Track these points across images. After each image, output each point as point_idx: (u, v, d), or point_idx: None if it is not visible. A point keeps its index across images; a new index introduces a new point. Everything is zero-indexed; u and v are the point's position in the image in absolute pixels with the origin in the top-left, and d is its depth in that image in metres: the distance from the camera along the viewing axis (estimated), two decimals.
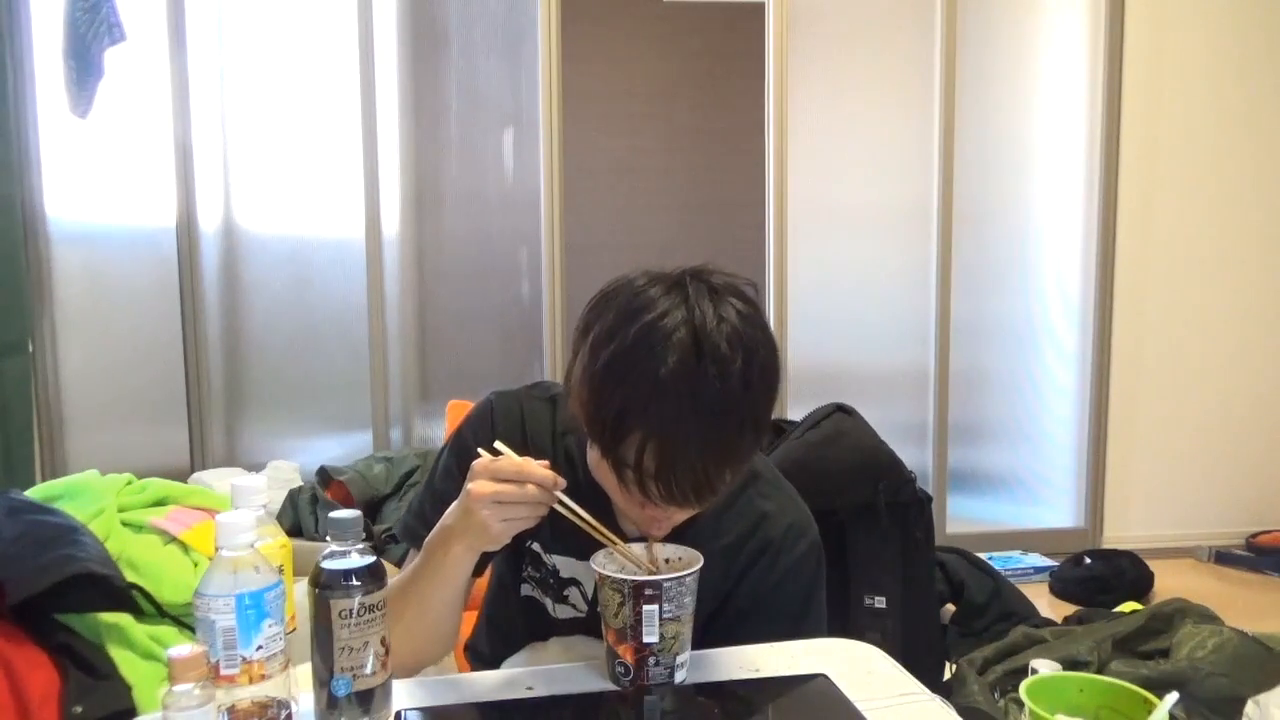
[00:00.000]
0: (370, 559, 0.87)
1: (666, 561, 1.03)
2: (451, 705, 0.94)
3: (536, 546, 1.16)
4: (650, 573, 0.98)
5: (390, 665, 0.89)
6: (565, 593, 1.16)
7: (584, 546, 1.02)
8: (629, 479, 0.95)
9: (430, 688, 0.99)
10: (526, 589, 1.18)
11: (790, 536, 1.14)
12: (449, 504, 1.02)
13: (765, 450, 2.13)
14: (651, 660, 0.96)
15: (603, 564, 0.98)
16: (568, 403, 1.08)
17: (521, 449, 1.04)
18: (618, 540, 1.01)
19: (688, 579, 0.96)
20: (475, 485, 0.95)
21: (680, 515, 1.03)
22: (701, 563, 0.98)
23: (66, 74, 2.83)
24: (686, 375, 0.90)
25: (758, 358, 0.93)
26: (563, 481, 0.97)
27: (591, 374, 0.95)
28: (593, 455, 1.02)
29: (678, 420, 0.91)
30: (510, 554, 1.16)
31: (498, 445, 0.99)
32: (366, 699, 0.87)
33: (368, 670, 0.86)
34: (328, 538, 0.87)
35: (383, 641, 0.87)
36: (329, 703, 0.86)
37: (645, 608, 0.94)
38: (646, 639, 0.95)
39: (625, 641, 0.96)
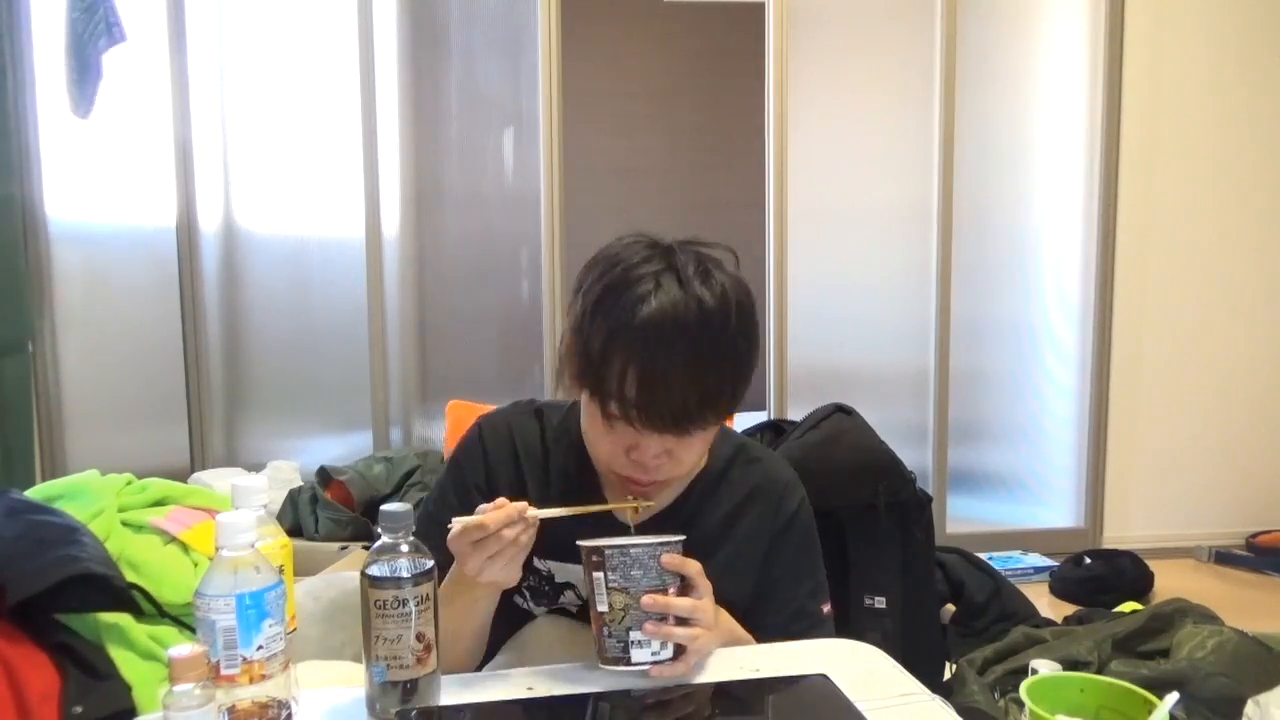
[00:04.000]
0: (412, 556, 0.89)
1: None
2: (452, 705, 0.94)
3: (534, 558, 1.17)
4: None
5: (434, 661, 0.90)
6: (560, 599, 1.18)
7: (576, 551, 1.04)
8: (613, 412, 1.01)
9: None
10: (518, 600, 1.19)
11: (791, 489, 1.21)
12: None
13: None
14: (605, 631, 0.98)
15: (587, 538, 1.00)
16: (552, 412, 1.19)
17: (513, 465, 1.11)
18: (600, 511, 1.04)
19: (633, 550, 0.97)
20: (465, 566, 0.99)
21: (668, 467, 1.06)
22: (661, 542, 0.98)
23: (67, 75, 2.83)
24: (667, 304, 0.98)
25: (734, 297, 1.02)
26: (524, 505, 0.98)
27: (580, 315, 1.03)
28: (584, 409, 1.08)
29: (657, 345, 0.98)
30: None
31: (454, 521, 0.99)
32: (407, 689, 0.89)
33: (403, 662, 0.88)
34: (379, 529, 0.90)
35: (419, 637, 0.88)
36: (369, 687, 0.90)
37: (594, 574, 0.97)
38: (599, 608, 0.97)
39: (592, 613, 0.99)
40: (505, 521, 0.96)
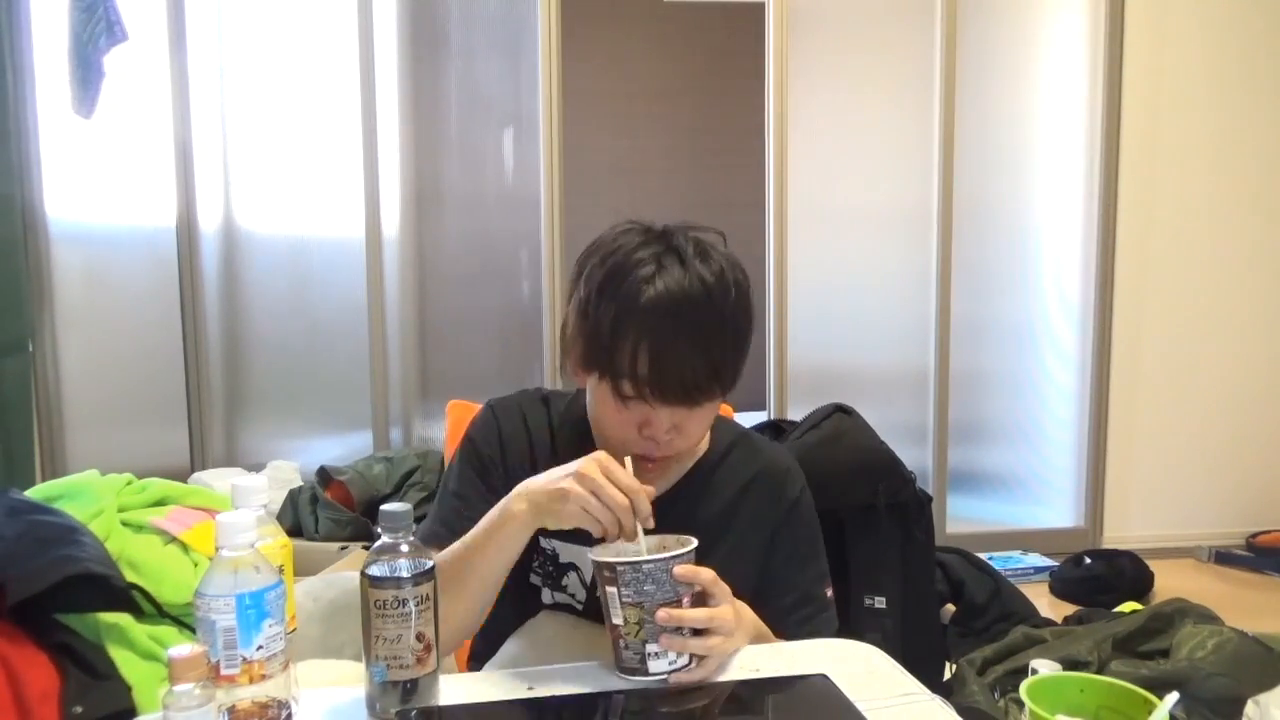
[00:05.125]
0: (412, 556, 0.89)
1: (664, 549, 1.02)
2: (451, 705, 0.94)
3: (539, 536, 1.18)
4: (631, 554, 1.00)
5: (434, 661, 0.90)
6: (564, 580, 1.19)
7: (583, 532, 1.05)
8: (626, 390, 1.05)
9: None
10: (534, 578, 1.21)
11: (792, 476, 1.24)
12: (472, 507, 1.09)
13: None
14: (621, 644, 0.98)
15: (599, 553, 0.99)
16: (558, 400, 1.22)
17: (526, 442, 1.14)
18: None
19: (645, 566, 0.96)
20: (588, 466, 0.99)
21: (678, 440, 1.09)
22: (673, 555, 0.98)
23: (69, 75, 2.83)
24: (672, 283, 1.03)
25: (732, 275, 1.07)
26: (652, 524, 0.99)
27: (585, 299, 1.07)
28: (592, 392, 1.11)
29: (664, 321, 1.02)
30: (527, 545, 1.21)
31: (627, 463, 1.02)
32: (407, 689, 0.89)
33: (403, 662, 0.88)
34: (379, 529, 0.90)
35: (419, 637, 0.88)
36: (369, 687, 0.90)
37: (608, 589, 0.97)
38: (613, 620, 0.97)
39: (608, 624, 0.99)
40: (638, 506, 0.98)
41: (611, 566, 0.96)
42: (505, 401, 1.25)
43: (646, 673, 0.97)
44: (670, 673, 0.97)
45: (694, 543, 1.00)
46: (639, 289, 1.02)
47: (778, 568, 1.20)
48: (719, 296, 1.04)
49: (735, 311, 1.06)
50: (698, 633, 0.97)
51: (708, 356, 1.04)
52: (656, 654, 0.97)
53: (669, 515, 1.16)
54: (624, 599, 0.96)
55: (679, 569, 0.97)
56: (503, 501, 1.05)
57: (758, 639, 1.11)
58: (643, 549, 1.00)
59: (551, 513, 1.01)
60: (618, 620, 0.97)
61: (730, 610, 1.01)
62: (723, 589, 1.01)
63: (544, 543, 1.19)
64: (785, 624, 1.18)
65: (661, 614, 0.95)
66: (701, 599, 1.00)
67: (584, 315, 1.07)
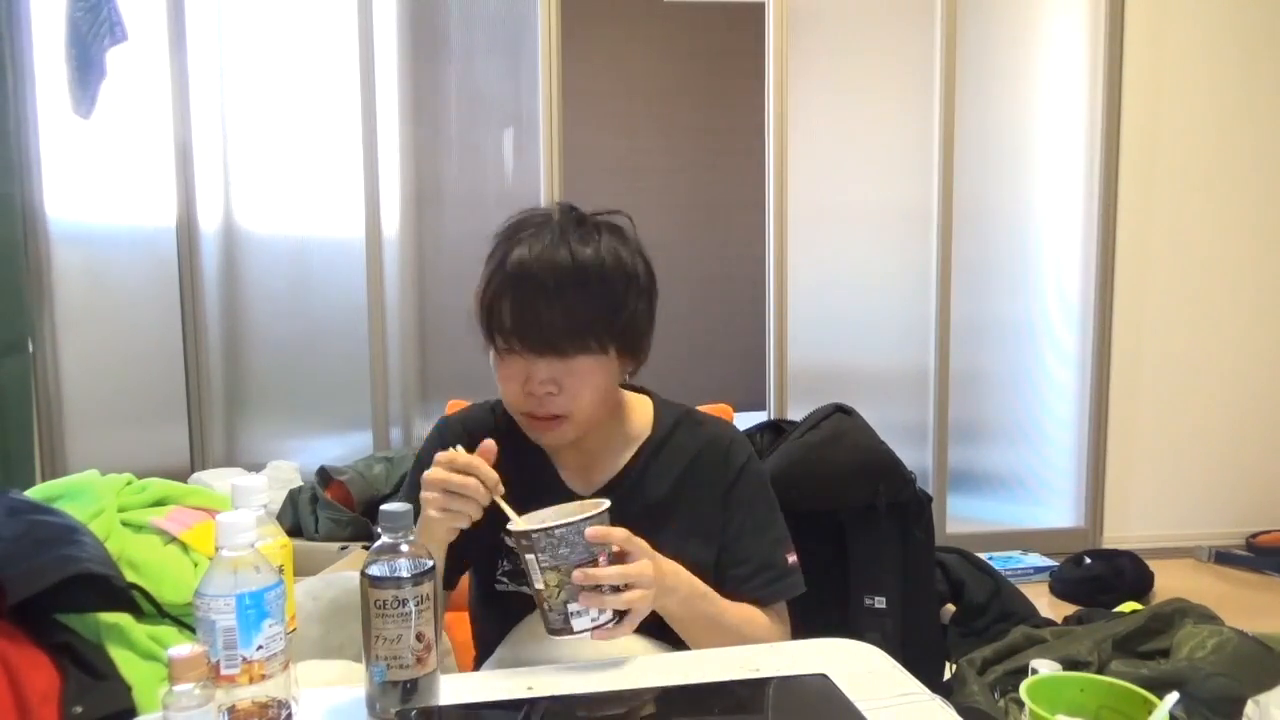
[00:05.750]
0: (412, 556, 0.89)
1: (583, 512, 1.06)
2: (451, 705, 0.94)
3: (509, 540, 1.20)
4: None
5: (433, 661, 0.91)
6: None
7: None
8: (500, 345, 1.13)
9: None
10: (501, 586, 1.23)
11: (736, 445, 1.27)
12: None
13: (765, 451, 2.14)
14: (545, 607, 1.02)
15: (516, 524, 1.04)
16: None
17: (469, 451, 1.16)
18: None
19: (557, 531, 1.00)
20: (430, 471, 1.06)
21: (560, 400, 1.14)
22: (584, 517, 1.01)
23: (69, 74, 2.83)
24: (538, 247, 1.11)
25: (611, 243, 1.13)
26: (501, 488, 1.06)
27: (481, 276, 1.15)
28: (492, 361, 1.18)
29: (525, 278, 1.10)
30: (485, 557, 1.24)
31: (458, 447, 1.08)
32: (407, 689, 0.89)
33: (403, 662, 0.88)
34: (379, 529, 0.90)
35: (419, 637, 0.89)
36: (369, 687, 0.90)
37: (526, 557, 1.02)
38: (536, 585, 1.02)
39: (531, 590, 1.03)
40: (484, 476, 1.05)
41: (527, 535, 1.01)
42: (453, 416, 1.32)
43: (572, 631, 1.01)
44: (595, 629, 1.02)
45: (606, 504, 1.04)
46: (508, 253, 1.12)
47: (733, 537, 1.22)
48: (586, 261, 1.10)
49: (608, 276, 1.11)
50: (617, 590, 1.01)
51: (568, 311, 1.09)
52: (578, 613, 1.01)
53: (618, 498, 1.18)
54: (542, 564, 1.01)
55: (590, 530, 1.02)
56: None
57: (701, 598, 1.13)
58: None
59: (441, 536, 1.07)
60: (539, 585, 1.02)
61: (648, 565, 1.04)
62: (639, 545, 1.05)
63: (509, 540, 1.20)
64: (747, 592, 1.19)
65: (577, 574, 1.00)
66: (622, 558, 1.03)
67: (478, 288, 1.16)
